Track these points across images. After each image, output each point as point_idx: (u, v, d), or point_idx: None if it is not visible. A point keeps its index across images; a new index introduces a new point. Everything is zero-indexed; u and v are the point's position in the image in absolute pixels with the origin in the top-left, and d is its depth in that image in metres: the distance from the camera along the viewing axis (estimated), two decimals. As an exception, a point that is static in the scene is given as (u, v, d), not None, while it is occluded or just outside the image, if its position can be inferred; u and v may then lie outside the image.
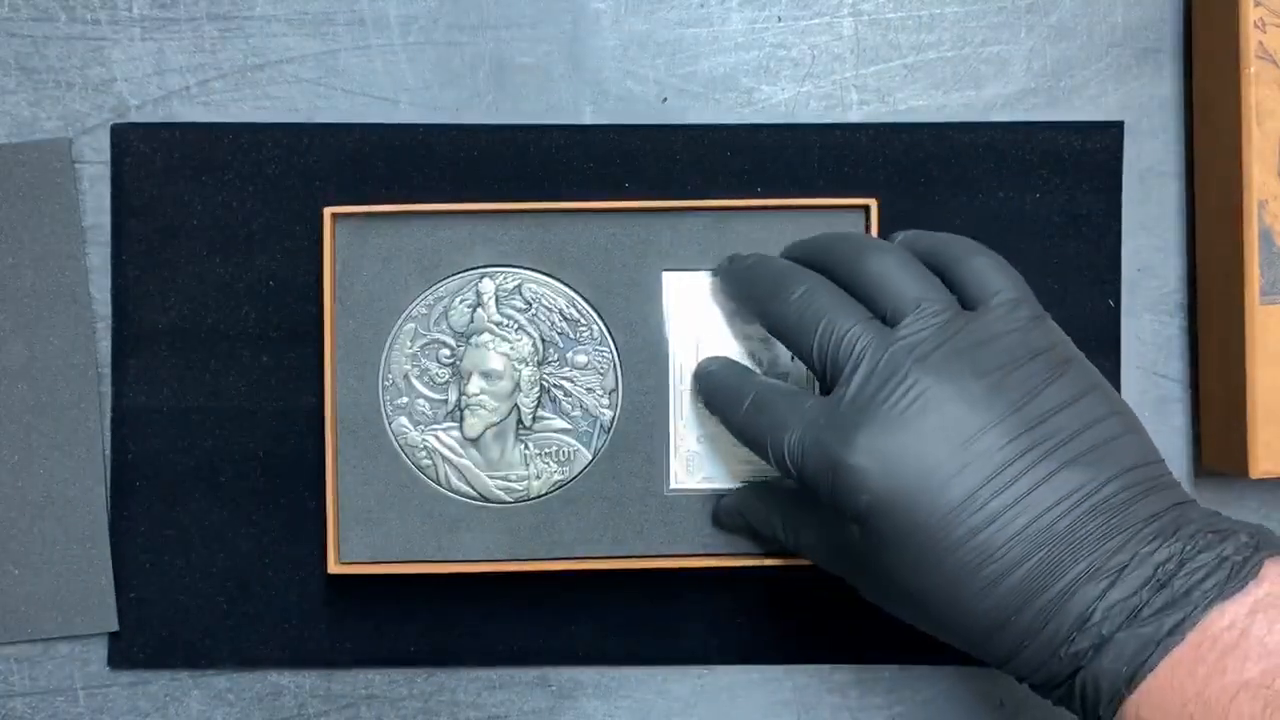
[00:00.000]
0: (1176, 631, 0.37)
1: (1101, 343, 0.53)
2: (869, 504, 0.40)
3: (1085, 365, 0.42)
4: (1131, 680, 0.37)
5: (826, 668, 0.53)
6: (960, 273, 0.44)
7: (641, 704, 0.53)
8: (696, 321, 0.51)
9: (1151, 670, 0.37)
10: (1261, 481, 0.52)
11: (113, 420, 0.52)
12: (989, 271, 0.43)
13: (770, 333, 0.45)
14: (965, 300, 0.43)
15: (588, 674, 0.53)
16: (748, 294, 0.47)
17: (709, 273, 0.50)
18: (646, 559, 0.50)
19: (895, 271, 0.43)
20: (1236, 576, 0.37)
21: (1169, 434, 0.54)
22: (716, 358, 0.49)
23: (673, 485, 0.51)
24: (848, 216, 0.51)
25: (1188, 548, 0.38)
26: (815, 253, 0.46)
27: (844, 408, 0.41)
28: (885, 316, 0.42)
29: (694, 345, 0.50)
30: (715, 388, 0.47)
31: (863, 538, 0.41)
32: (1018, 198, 0.53)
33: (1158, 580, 0.37)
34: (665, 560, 0.50)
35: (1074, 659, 0.38)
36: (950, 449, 0.39)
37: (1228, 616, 0.37)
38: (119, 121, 0.53)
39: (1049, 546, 0.38)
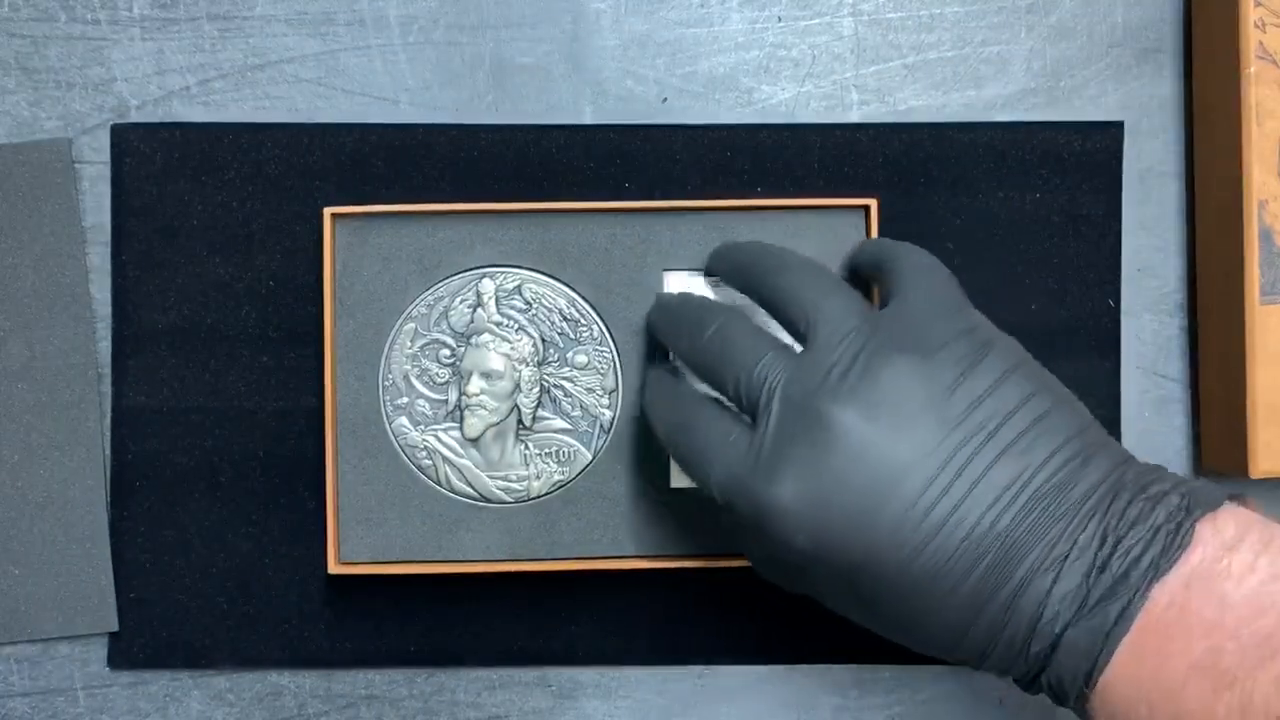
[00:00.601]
0: (1123, 620, 0.36)
1: (1101, 343, 0.53)
2: (804, 545, 0.39)
3: (1007, 345, 0.41)
4: (1090, 675, 0.37)
5: (826, 668, 0.53)
6: (886, 273, 0.44)
7: (641, 704, 0.53)
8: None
9: (1108, 662, 0.37)
10: (1261, 481, 0.52)
11: (113, 420, 0.52)
12: (909, 271, 0.43)
13: (694, 373, 0.45)
14: (888, 299, 0.43)
15: (588, 674, 0.53)
16: (669, 337, 0.46)
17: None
18: (646, 559, 0.50)
19: (803, 285, 0.42)
20: (1170, 549, 0.36)
21: (1169, 434, 0.54)
22: (656, 366, 0.48)
23: (673, 485, 0.51)
24: (848, 216, 0.51)
25: (1121, 523, 0.37)
26: (739, 268, 0.46)
27: (765, 448, 0.40)
28: (800, 334, 0.42)
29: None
30: (647, 399, 0.47)
31: (808, 570, 0.40)
32: (1018, 198, 0.53)
33: (1098, 566, 0.37)
34: (665, 560, 0.50)
35: (1037, 658, 0.38)
36: (877, 472, 0.38)
37: (1167, 593, 0.36)
38: (119, 121, 0.53)
39: (994, 549, 0.37)
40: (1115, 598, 0.36)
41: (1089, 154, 0.53)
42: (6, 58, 0.53)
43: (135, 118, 0.53)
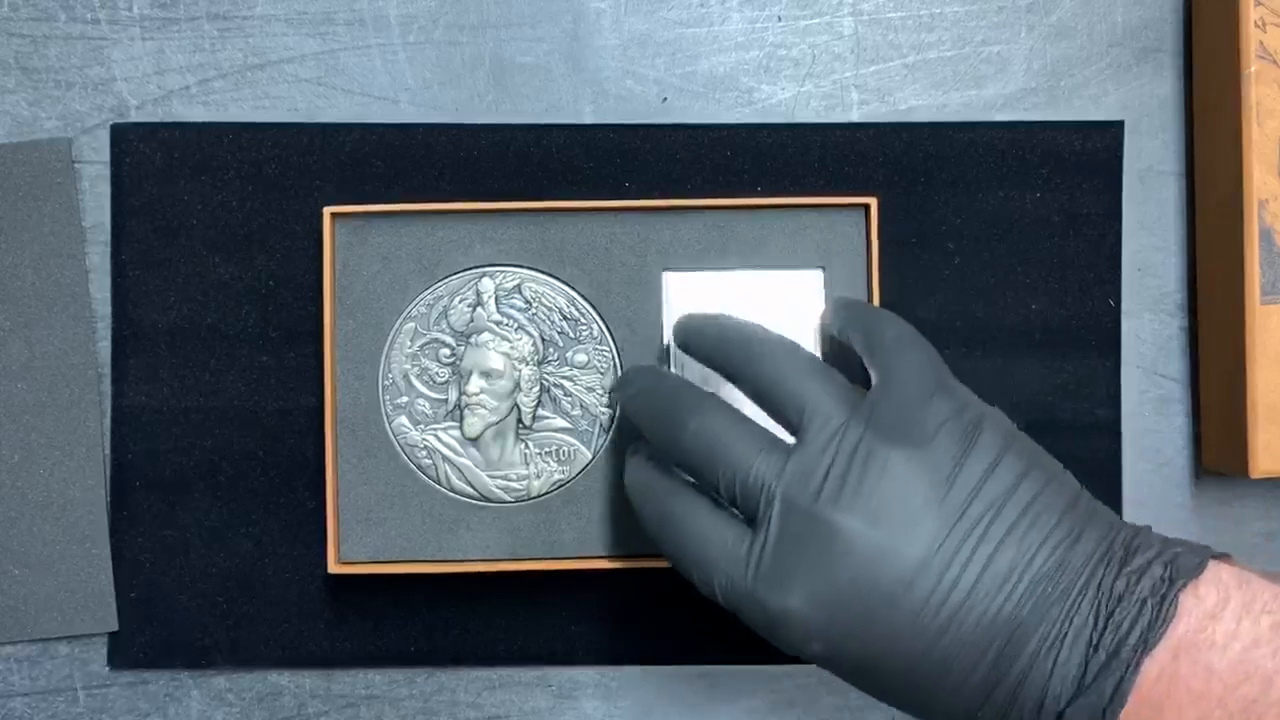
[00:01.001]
0: (1117, 696, 0.37)
1: (1101, 343, 0.53)
2: (819, 651, 0.40)
3: (995, 422, 0.41)
4: None
5: (827, 668, 0.53)
6: (866, 348, 0.43)
7: (641, 704, 0.53)
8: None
9: None
10: (1261, 481, 0.52)
11: (113, 420, 0.52)
12: (890, 346, 0.42)
13: (677, 466, 0.44)
14: (871, 374, 0.42)
15: (588, 674, 0.53)
16: (646, 428, 0.45)
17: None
18: (646, 559, 0.50)
19: (787, 375, 0.42)
20: (1156, 622, 0.37)
21: (1169, 434, 0.54)
22: (636, 450, 0.46)
23: None
24: (848, 215, 0.51)
25: (1110, 599, 0.38)
26: (711, 347, 0.45)
27: (768, 556, 0.40)
28: (788, 424, 0.42)
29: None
30: (630, 488, 0.45)
31: (820, 666, 0.41)
32: (1018, 198, 0.53)
33: (1092, 644, 0.37)
34: (665, 560, 0.50)
35: None
36: (887, 577, 0.38)
37: (1156, 666, 0.37)
38: (119, 121, 0.53)
39: (1000, 636, 0.38)
40: (1109, 674, 0.37)
41: (1089, 154, 0.53)
42: (6, 58, 0.53)
43: (135, 117, 0.53)
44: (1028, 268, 0.53)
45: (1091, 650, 0.37)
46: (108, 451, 0.52)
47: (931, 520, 0.39)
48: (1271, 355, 0.49)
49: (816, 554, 0.39)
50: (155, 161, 0.53)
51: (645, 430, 0.45)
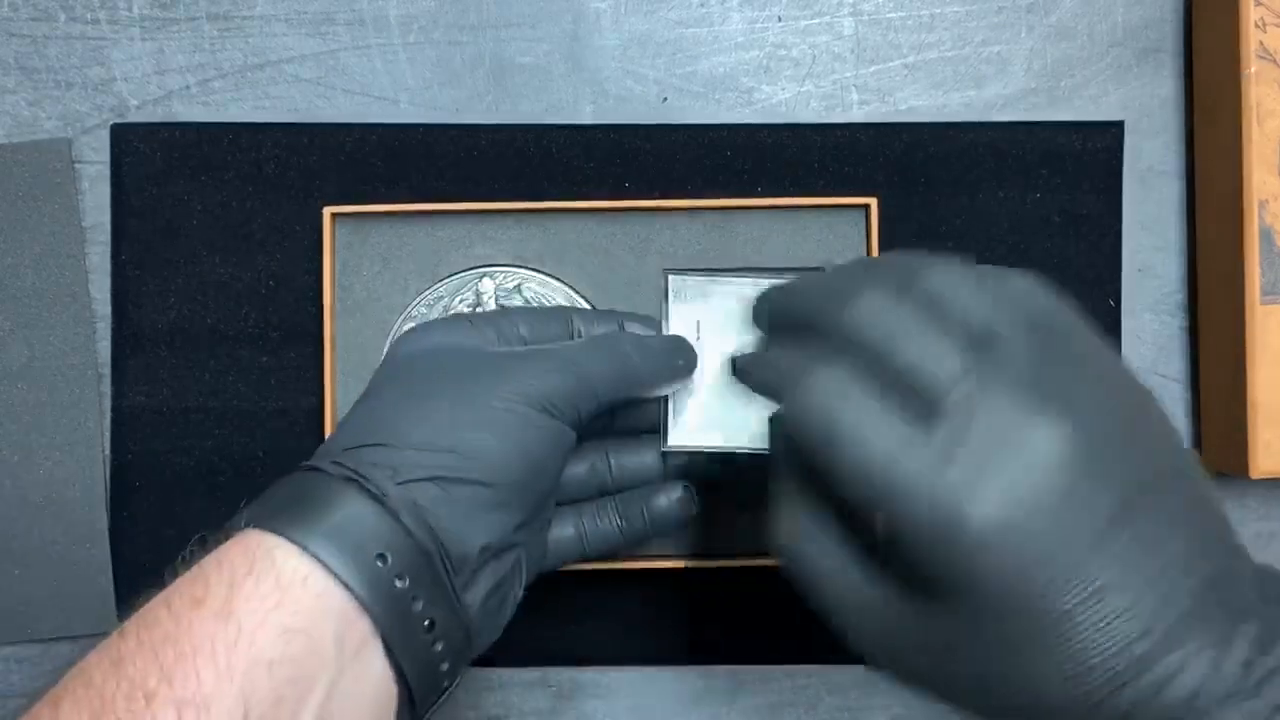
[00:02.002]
0: None
1: (1102, 343, 0.53)
2: (985, 575, 0.33)
3: (1115, 361, 0.37)
4: None
5: (826, 668, 0.53)
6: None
7: (641, 704, 0.53)
8: (696, 321, 0.50)
9: None
10: (1261, 481, 0.52)
11: (113, 420, 0.52)
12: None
13: (836, 350, 0.36)
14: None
15: (588, 674, 0.53)
16: (799, 316, 0.38)
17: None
18: (647, 559, 0.50)
19: (955, 287, 0.36)
20: None
21: (1169, 434, 0.54)
22: (763, 340, 0.41)
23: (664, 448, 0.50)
24: (848, 216, 0.51)
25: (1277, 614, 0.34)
26: (805, 300, 0.38)
27: (964, 453, 0.33)
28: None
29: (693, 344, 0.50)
30: (757, 368, 0.39)
31: (948, 612, 0.34)
32: (1018, 198, 0.53)
33: (1248, 662, 0.33)
34: (665, 560, 0.50)
35: None
36: (1078, 504, 0.33)
37: None
38: (119, 121, 0.53)
39: (1149, 627, 0.33)
40: (1274, 683, 0.33)
41: (1089, 154, 0.53)
42: (6, 58, 0.53)
43: (135, 118, 0.53)
44: (1028, 268, 0.53)
45: (1259, 653, 0.33)
46: (107, 451, 0.52)
47: (1105, 460, 0.33)
48: (1271, 355, 0.49)
49: (1022, 454, 0.33)
50: (155, 161, 0.53)
51: (798, 318, 0.38)
